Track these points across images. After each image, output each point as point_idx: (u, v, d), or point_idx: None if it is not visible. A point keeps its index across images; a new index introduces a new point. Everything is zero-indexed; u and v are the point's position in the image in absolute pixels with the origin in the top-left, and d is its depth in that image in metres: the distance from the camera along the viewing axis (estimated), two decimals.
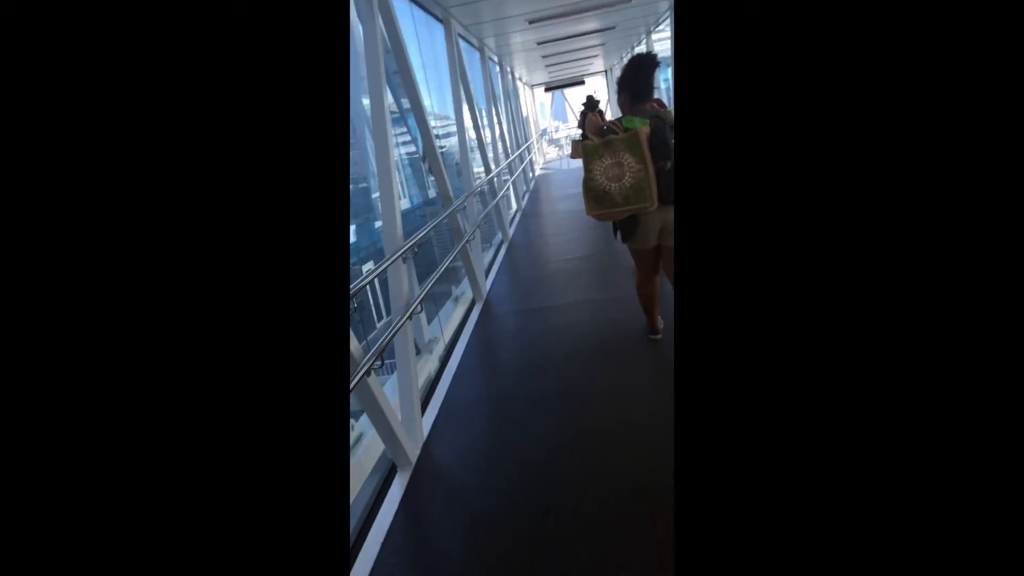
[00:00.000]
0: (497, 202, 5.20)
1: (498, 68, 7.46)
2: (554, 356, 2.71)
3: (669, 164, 2.02)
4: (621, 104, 2.21)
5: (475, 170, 4.85)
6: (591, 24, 6.04)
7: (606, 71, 13.54)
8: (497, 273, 4.38)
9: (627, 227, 2.23)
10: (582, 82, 13.61)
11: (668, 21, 6.45)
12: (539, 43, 5.41)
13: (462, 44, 4.87)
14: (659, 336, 2.62)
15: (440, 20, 4.33)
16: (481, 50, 5.94)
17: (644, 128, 2.03)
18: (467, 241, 3.57)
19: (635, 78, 2.16)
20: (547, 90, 13.96)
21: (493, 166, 5.69)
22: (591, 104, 7.77)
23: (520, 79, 10.80)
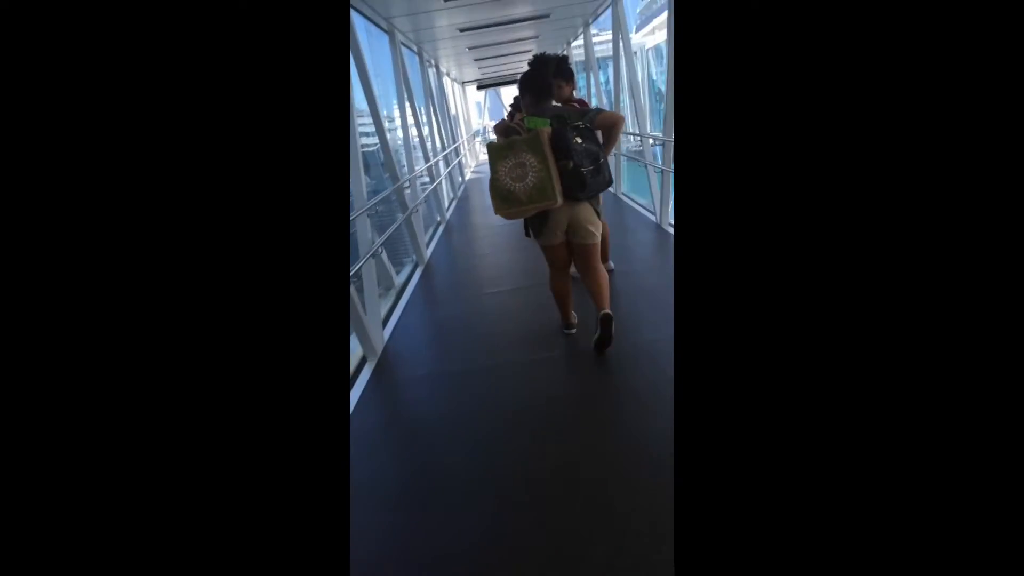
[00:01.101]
0: (408, 216, 4.29)
1: (417, 60, 7.02)
2: None
3: (572, 163, 2.12)
4: (525, 106, 2.33)
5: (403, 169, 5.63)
6: (520, 9, 5.47)
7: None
8: (402, 315, 3.43)
9: (536, 224, 2.33)
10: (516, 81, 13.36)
11: (608, 14, 5.92)
12: (462, 30, 5.26)
13: (369, 27, 4.76)
14: (573, 331, 2.67)
15: (385, 31, 5.13)
16: (391, 32, 5.04)
17: (545, 128, 2.14)
18: (412, 211, 4.42)
19: (535, 78, 2.28)
20: (479, 88, 13.38)
21: (406, 171, 4.89)
22: (517, 105, 8.61)
23: (447, 74, 10.07)
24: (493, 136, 2.70)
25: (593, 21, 6.69)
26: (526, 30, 6.52)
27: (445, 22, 5.32)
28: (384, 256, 4.56)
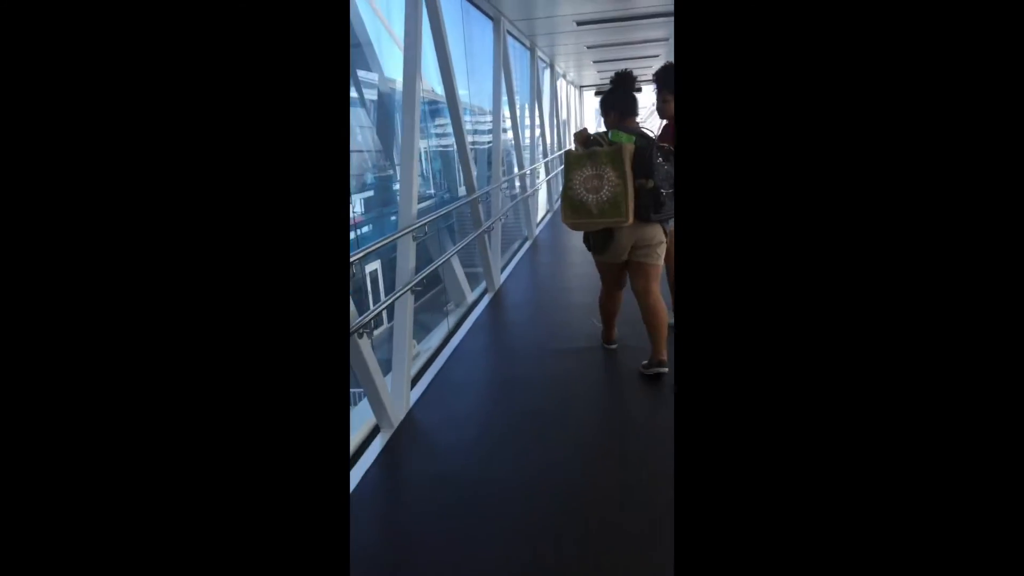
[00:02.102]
0: (481, 233, 3.65)
1: (528, 55, 6.40)
2: None
3: (651, 183, 2.07)
4: (611, 123, 2.27)
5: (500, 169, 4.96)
6: (644, 33, 5.87)
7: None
8: (446, 363, 2.80)
9: (601, 240, 2.24)
10: (639, 89, 12.97)
11: None
12: (579, 23, 4.79)
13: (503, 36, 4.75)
14: (614, 346, 2.65)
15: (490, 17, 4.47)
16: (496, 19, 4.53)
17: (629, 144, 2.09)
18: (486, 230, 3.70)
19: (619, 96, 2.24)
20: (597, 95, 13.39)
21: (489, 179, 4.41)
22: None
23: (564, 75, 9.66)
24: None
25: None
26: (654, 30, 5.63)
27: (561, 12, 4.67)
28: (456, 265, 3.88)
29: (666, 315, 2.29)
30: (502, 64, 4.56)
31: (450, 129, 3.51)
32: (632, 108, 2.24)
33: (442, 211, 2.85)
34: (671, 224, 2.31)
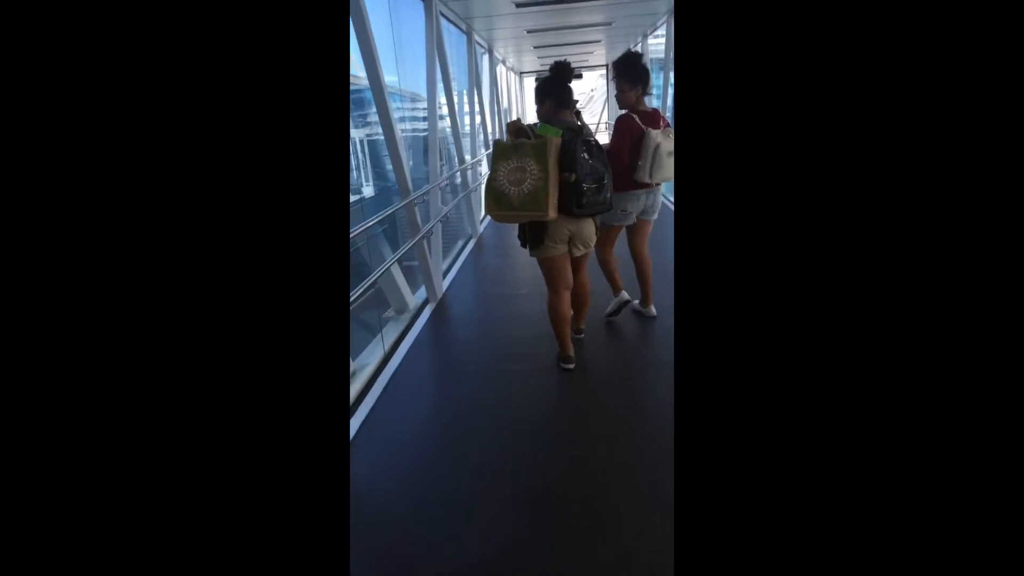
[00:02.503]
0: (421, 239, 3.25)
1: (465, 39, 5.90)
2: None
3: (574, 176, 2.02)
4: (545, 112, 2.19)
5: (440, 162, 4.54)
6: (584, 17, 5.64)
7: (607, 66, 11.68)
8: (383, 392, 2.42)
9: (533, 234, 2.19)
10: (579, 75, 12.79)
11: (665, 24, 6.13)
12: (519, 4, 4.47)
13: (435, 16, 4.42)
14: (572, 365, 2.38)
15: None
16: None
17: (555, 138, 2.03)
18: (424, 236, 3.30)
19: (554, 85, 2.17)
20: (537, 80, 12.98)
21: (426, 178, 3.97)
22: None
23: (503, 61, 9.04)
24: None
25: (651, 33, 6.02)
26: (593, 13, 5.37)
27: (511, 24, 4.22)
28: (395, 271, 3.51)
29: (590, 294, 2.53)
30: (435, 47, 4.12)
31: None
32: (566, 99, 2.18)
33: (371, 221, 2.43)
34: (622, 219, 2.61)
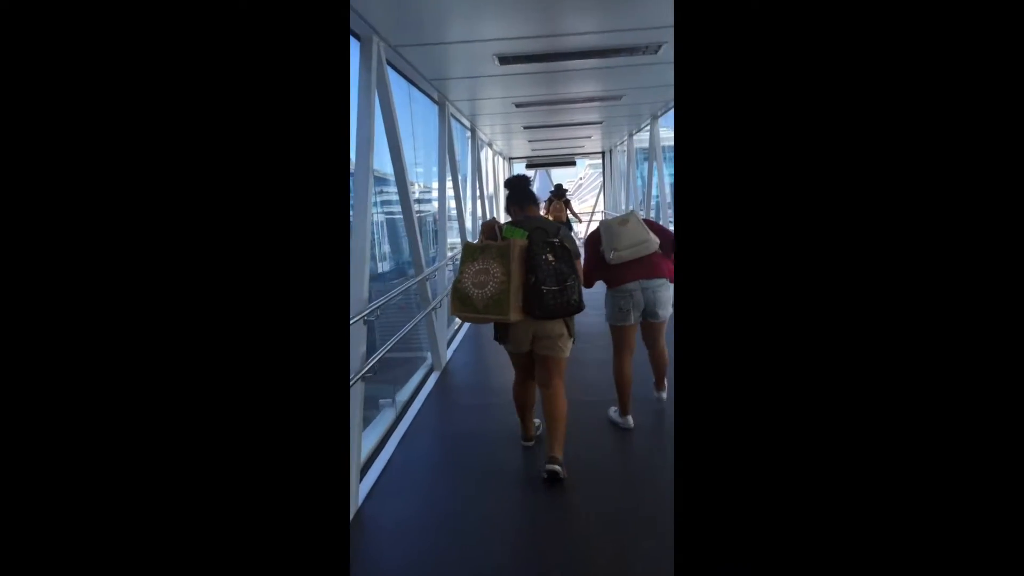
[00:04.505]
0: (429, 312, 3.61)
1: (469, 134, 6.40)
2: None
3: (534, 279, 2.05)
4: (514, 214, 2.31)
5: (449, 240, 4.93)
6: (579, 116, 6.09)
7: (603, 153, 11.46)
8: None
9: (500, 330, 2.27)
10: (572, 162, 11.92)
11: (647, 126, 6.56)
12: (518, 105, 4.82)
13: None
14: (531, 443, 2.50)
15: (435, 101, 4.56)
16: (442, 104, 4.41)
17: (520, 241, 2.08)
18: (433, 309, 3.60)
19: (516, 186, 2.34)
20: (528, 167, 11.89)
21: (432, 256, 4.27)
22: (558, 192, 7.91)
23: (490, 144, 8.75)
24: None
25: (663, 114, 6.25)
26: (591, 113, 5.95)
27: (500, 94, 4.70)
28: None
29: (565, 411, 2.25)
30: (446, 143, 4.62)
31: (388, 198, 3.42)
32: (526, 199, 2.30)
33: (395, 293, 2.74)
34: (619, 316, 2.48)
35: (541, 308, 2.07)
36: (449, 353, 4.09)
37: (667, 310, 2.54)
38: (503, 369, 3.72)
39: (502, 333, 2.26)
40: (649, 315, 2.55)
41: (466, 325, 5.02)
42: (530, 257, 2.07)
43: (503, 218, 2.38)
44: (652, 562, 1.69)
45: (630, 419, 2.62)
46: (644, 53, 3.25)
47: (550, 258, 2.08)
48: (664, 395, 2.83)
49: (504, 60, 3.29)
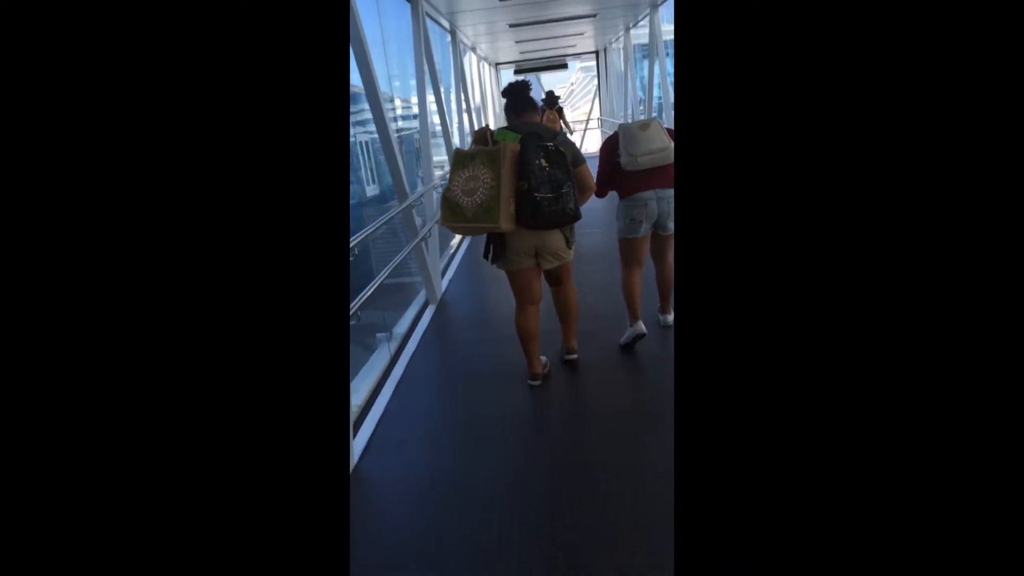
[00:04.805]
0: (419, 242, 3.32)
1: (449, 37, 5.77)
2: None
3: (527, 185, 1.91)
4: (510, 121, 2.14)
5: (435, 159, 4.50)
6: (570, 8, 5.56)
7: (597, 52, 10.66)
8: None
9: (496, 245, 2.10)
10: (564, 65, 11.07)
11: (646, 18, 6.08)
12: (512, 25, 4.55)
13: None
14: (539, 382, 2.28)
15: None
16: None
17: (511, 144, 1.92)
18: (423, 239, 3.28)
19: (514, 90, 2.17)
20: (517, 72, 10.93)
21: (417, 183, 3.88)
22: (550, 101, 7.37)
23: (474, 50, 8.09)
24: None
25: (663, 1, 5.67)
26: (584, 3, 5.31)
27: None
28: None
29: (577, 304, 2.33)
30: (423, 48, 4.07)
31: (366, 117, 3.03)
32: (523, 105, 2.14)
33: (373, 227, 2.41)
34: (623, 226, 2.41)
35: (535, 216, 1.93)
36: (444, 284, 3.82)
37: None
38: (503, 299, 3.48)
39: (497, 249, 2.09)
40: (660, 227, 2.43)
41: (460, 251, 4.72)
42: (523, 162, 1.92)
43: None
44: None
45: (641, 324, 2.44)
46: None
47: (544, 163, 1.93)
48: (670, 318, 2.64)
49: None
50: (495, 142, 1.97)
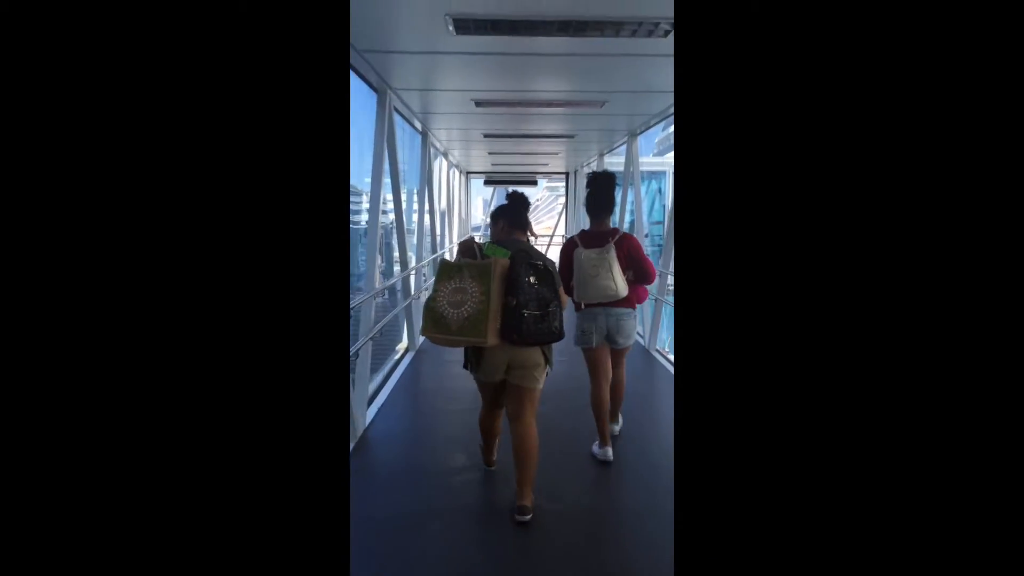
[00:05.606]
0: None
1: (420, 139, 5.58)
2: None
3: (515, 301, 1.91)
4: (498, 232, 2.17)
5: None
6: (548, 126, 5.42)
7: (567, 174, 10.49)
8: None
9: (474, 356, 2.10)
10: (534, 182, 11.11)
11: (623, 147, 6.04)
12: (478, 104, 4.29)
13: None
14: (493, 468, 2.47)
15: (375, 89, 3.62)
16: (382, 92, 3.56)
17: (502, 260, 1.93)
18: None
19: (511, 206, 2.20)
20: (487, 183, 11.14)
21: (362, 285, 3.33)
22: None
23: (447, 156, 7.91)
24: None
25: (642, 131, 5.66)
26: (561, 121, 5.15)
27: (457, 84, 3.81)
28: None
29: (536, 449, 2.08)
30: (386, 140, 3.67)
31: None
32: (521, 222, 2.17)
33: None
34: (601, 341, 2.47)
35: (520, 333, 1.92)
36: (371, 414, 3.08)
37: (628, 339, 2.55)
38: (455, 439, 2.78)
39: (474, 360, 2.09)
40: (611, 341, 2.54)
41: (399, 370, 4.05)
42: (512, 278, 1.92)
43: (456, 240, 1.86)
44: None
45: (609, 450, 2.53)
46: (635, 35, 2.48)
47: (533, 280, 1.95)
48: (617, 427, 2.78)
49: (461, 26, 2.42)
50: (484, 256, 1.98)
